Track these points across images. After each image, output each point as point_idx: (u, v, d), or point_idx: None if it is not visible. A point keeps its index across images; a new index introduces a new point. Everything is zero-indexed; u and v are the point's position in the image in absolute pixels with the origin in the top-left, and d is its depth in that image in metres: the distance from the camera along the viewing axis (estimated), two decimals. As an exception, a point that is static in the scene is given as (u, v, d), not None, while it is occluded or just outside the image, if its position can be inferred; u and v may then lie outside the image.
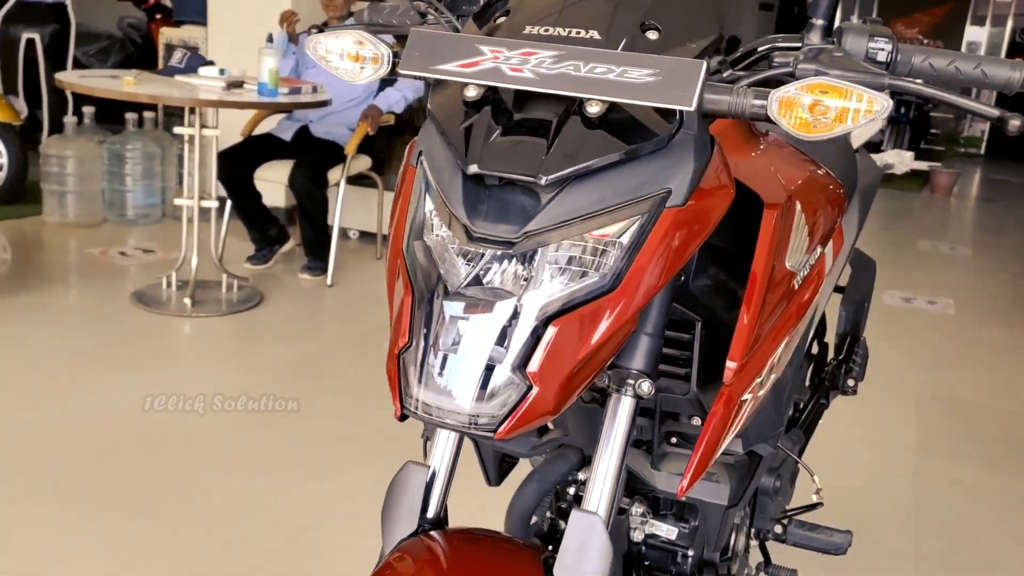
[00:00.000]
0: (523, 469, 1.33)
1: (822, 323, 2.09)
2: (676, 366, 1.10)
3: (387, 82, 4.55)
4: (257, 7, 5.08)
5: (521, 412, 0.83)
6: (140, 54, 7.84)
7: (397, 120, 4.63)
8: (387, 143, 4.80)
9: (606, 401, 0.99)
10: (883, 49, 1.00)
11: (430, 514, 1.04)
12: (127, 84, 3.62)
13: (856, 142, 2.03)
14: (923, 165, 10.01)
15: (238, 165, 4.24)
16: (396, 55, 0.98)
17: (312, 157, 4.30)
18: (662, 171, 0.86)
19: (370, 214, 4.94)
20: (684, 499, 1.33)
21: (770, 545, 1.69)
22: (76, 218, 5.04)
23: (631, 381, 0.97)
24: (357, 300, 4.24)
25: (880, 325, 4.42)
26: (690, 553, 1.38)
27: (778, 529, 1.67)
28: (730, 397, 1.00)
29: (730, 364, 0.98)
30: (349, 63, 0.98)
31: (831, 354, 2.02)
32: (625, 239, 0.84)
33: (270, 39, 4.10)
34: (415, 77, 0.90)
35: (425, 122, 0.94)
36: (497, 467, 1.38)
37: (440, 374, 0.85)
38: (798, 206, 1.10)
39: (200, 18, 5.80)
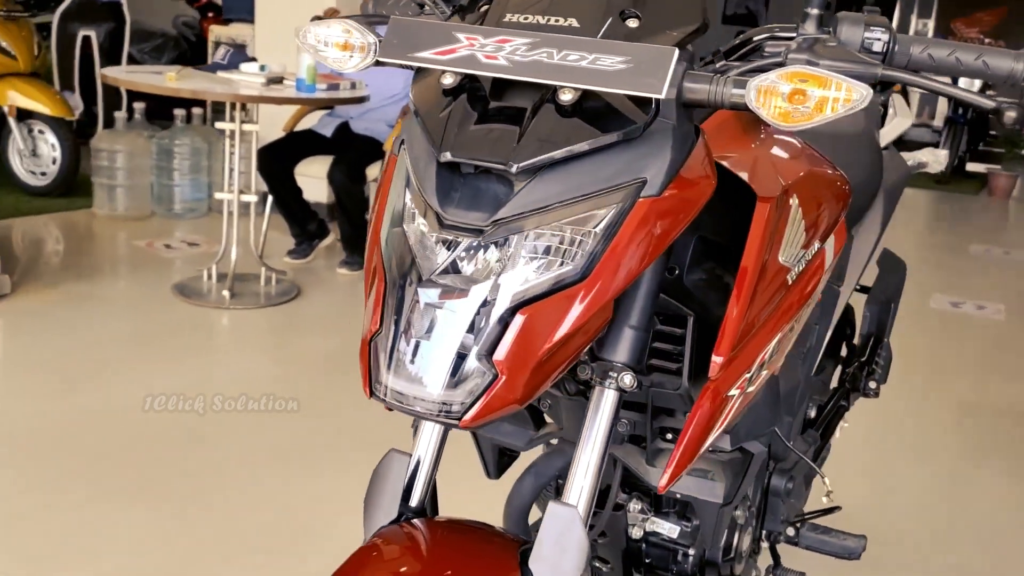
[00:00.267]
0: (524, 461, 1.33)
1: (851, 325, 2.04)
2: (669, 361, 1.08)
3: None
4: (303, 5, 5.14)
5: (486, 400, 0.83)
6: (193, 51, 8.00)
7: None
8: (427, 139, 4.82)
9: (589, 394, 0.98)
10: (879, 39, 0.98)
11: (413, 502, 1.04)
12: (170, 80, 3.69)
13: (884, 139, 1.98)
14: (981, 167, 9.76)
15: (279, 160, 4.30)
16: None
17: (351, 153, 4.34)
18: (638, 160, 0.85)
19: (410, 210, 4.96)
20: (678, 496, 1.31)
21: (782, 548, 1.66)
22: (125, 211, 5.15)
23: (614, 374, 0.96)
24: (393, 295, 4.26)
25: (924, 329, 4.32)
26: (691, 552, 1.37)
27: (790, 531, 1.64)
28: (716, 392, 0.99)
29: (716, 359, 0.97)
30: (337, 52, 0.98)
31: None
32: (599, 228, 0.83)
33: (311, 36, 4.14)
34: (393, 64, 0.90)
35: (408, 111, 0.94)
36: (496, 460, 1.38)
37: (412, 361, 0.85)
38: (795, 200, 1.07)
39: (248, 16, 5.91)
